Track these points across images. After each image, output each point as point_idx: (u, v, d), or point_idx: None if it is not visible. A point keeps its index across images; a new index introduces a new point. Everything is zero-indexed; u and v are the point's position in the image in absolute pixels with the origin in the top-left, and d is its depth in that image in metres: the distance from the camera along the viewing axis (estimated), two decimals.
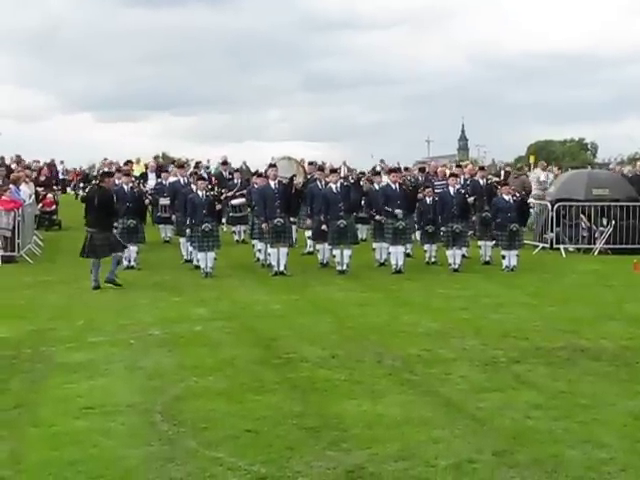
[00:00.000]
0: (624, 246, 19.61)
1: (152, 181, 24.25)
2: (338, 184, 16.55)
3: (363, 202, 18.90)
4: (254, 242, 17.97)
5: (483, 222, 17.83)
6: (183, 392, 7.70)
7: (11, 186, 18.98)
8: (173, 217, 18.62)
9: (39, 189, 24.31)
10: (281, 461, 5.88)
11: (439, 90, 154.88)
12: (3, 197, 17.93)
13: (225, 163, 26.38)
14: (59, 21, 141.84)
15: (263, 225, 16.01)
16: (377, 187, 17.68)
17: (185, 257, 17.67)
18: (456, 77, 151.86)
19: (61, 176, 36.12)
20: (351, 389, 7.76)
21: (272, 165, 16.78)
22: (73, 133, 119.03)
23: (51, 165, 31.58)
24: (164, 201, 20.25)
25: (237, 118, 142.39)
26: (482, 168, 21.57)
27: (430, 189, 18.14)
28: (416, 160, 36.91)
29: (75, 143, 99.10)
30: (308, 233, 18.26)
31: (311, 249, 18.53)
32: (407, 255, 16.98)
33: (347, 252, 16.16)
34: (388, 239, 16.41)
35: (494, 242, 17.31)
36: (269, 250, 16.19)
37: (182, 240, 17.76)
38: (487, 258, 17.62)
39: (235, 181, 22.07)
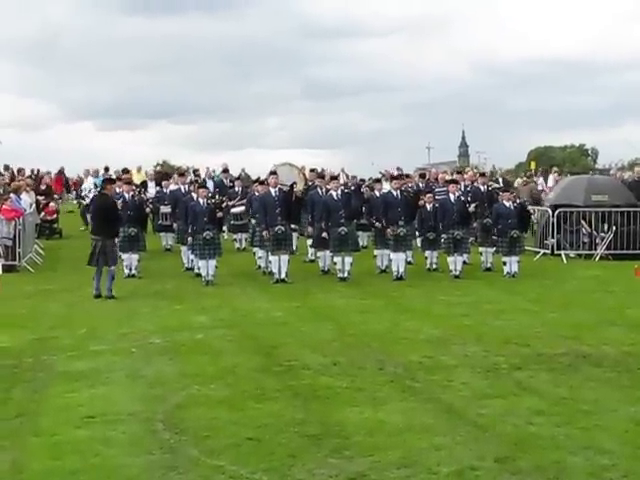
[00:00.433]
0: (625, 252, 19.61)
1: (152, 189, 24.28)
2: (339, 191, 16.56)
3: (364, 209, 18.91)
4: (255, 250, 17.98)
5: (484, 228, 17.83)
6: (184, 400, 7.70)
7: (12, 195, 18.99)
8: (174, 225, 18.63)
9: (40, 198, 24.34)
10: (283, 469, 5.88)
11: (439, 97, 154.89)
12: (4, 206, 17.94)
13: (226, 171, 26.41)
14: (59, 30, 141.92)
15: (264, 233, 16.02)
16: (378, 194, 17.69)
17: (186, 265, 17.67)
18: (456, 84, 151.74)
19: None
20: (353, 396, 7.76)
21: (273, 172, 16.79)
22: (74, 142, 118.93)
23: (60, 173, 31.23)
24: (165, 209, 20.27)
25: (237, 126, 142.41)
26: (483, 174, 21.57)
27: (431, 195, 18.16)
28: (416, 167, 36.91)
29: (76, 152, 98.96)
30: (310, 241, 18.26)
31: (312, 257, 18.53)
32: (408, 262, 16.98)
33: (348, 259, 16.16)
34: (389, 246, 16.41)
35: (495, 248, 17.31)
36: (270, 258, 16.19)
37: (183, 248, 17.77)
38: (488, 264, 17.62)
39: (236, 189, 22.10)
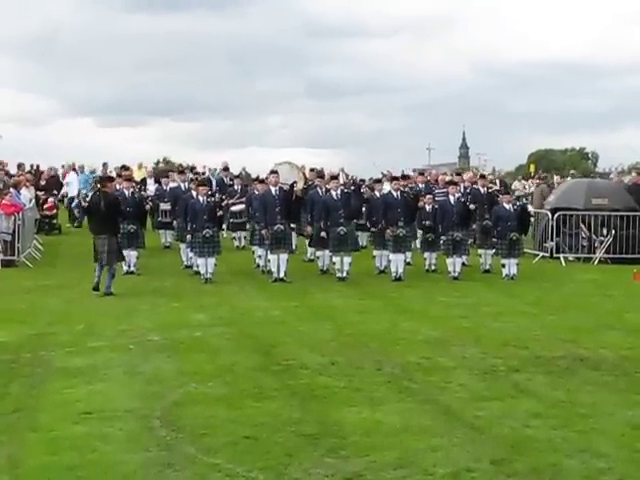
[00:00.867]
0: (624, 256, 19.62)
1: (151, 187, 24.28)
2: (339, 191, 16.56)
3: (364, 209, 18.92)
4: (254, 248, 17.98)
5: (483, 230, 17.85)
6: (182, 398, 7.70)
7: (12, 190, 18.99)
8: (174, 223, 18.63)
9: (40, 193, 24.33)
10: (279, 468, 5.88)
11: (440, 98, 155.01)
12: (4, 201, 17.93)
13: (226, 169, 26.41)
14: (61, 26, 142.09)
15: (263, 231, 16.02)
16: (378, 195, 17.69)
17: (185, 263, 17.67)
18: (457, 85, 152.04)
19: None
20: (350, 396, 7.76)
21: (273, 171, 16.79)
22: (74, 138, 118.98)
23: (72, 170, 30.92)
24: (165, 206, 20.28)
25: (239, 124, 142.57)
26: (483, 176, 21.60)
27: (430, 196, 18.17)
28: (414, 168, 36.88)
29: (76, 148, 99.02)
30: (308, 240, 18.26)
31: (312, 256, 18.53)
32: (407, 263, 16.99)
33: (347, 259, 16.16)
34: (389, 247, 16.42)
35: (494, 250, 17.32)
36: (269, 256, 16.19)
37: (182, 246, 17.77)
38: (487, 266, 17.63)
39: (235, 187, 22.10)
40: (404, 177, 19.84)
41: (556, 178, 30.14)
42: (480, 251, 17.96)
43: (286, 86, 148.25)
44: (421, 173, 24.33)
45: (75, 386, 8.05)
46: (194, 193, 16.88)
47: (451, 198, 17.02)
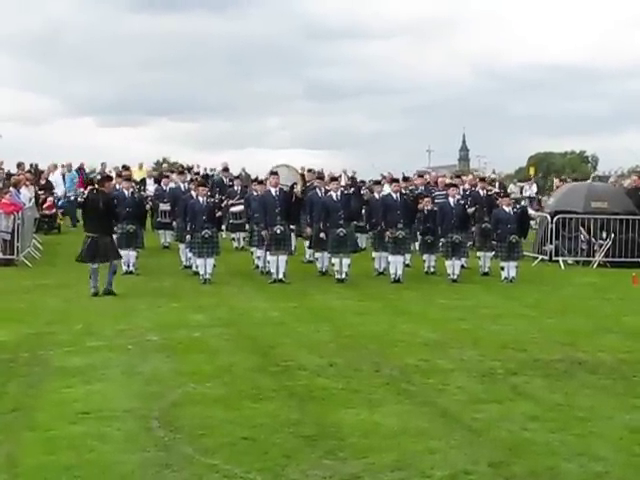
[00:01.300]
0: (623, 259, 19.63)
1: (151, 187, 24.28)
2: (338, 192, 16.56)
3: (363, 211, 18.93)
4: (253, 249, 17.98)
5: (483, 233, 17.86)
6: (180, 398, 7.70)
7: (11, 189, 18.99)
8: (174, 223, 18.63)
9: (39, 192, 24.32)
10: (277, 469, 5.88)
11: (440, 100, 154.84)
12: (3, 200, 17.93)
13: (226, 170, 26.42)
14: (62, 25, 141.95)
15: (263, 232, 16.02)
16: (378, 196, 17.70)
17: (184, 263, 17.68)
18: (457, 88, 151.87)
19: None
20: (348, 398, 7.76)
21: (273, 172, 16.80)
22: (75, 137, 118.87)
23: (80, 169, 30.75)
24: (164, 207, 20.29)
25: (238, 125, 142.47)
26: (482, 179, 21.61)
27: (429, 198, 18.18)
28: (416, 170, 36.90)
29: (77, 147, 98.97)
30: (307, 242, 18.26)
31: (311, 258, 18.53)
32: (406, 265, 16.99)
33: (346, 261, 16.17)
34: (388, 248, 16.43)
35: (493, 253, 17.33)
36: (268, 257, 16.19)
37: (181, 246, 17.78)
38: (486, 269, 17.64)
39: (235, 188, 22.10)
40: (404, 179, 19.85)
41: (555, 181, 30.11)
42: (479, 253, 17.97)
43: (285, 87, 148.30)
44: (420, 175, 24.33)
45: (73, 386, 8.05)
46: (194, 193, 16.88)
47: (451, 200, 17.03)
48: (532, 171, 36.99)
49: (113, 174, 22.60)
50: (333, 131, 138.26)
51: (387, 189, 18.04)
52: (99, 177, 19.09)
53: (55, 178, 26.85)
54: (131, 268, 16.70)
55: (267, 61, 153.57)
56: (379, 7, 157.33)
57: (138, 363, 9.04)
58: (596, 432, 6.81)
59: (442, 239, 16.89)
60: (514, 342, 10.45)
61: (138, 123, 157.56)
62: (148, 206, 19.84)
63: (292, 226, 17.30)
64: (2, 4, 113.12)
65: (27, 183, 21.48)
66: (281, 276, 15.80)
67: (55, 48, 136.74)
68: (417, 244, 18.68)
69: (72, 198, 25.58)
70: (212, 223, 15.99)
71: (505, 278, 16.68)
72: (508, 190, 28.09)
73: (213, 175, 28.78)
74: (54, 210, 24.60)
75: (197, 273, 16.11)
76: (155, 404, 7.42)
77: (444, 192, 18.82)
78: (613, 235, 19.88)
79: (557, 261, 19.77)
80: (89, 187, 15.33)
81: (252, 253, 18.18)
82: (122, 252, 16.08)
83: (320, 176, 20.24)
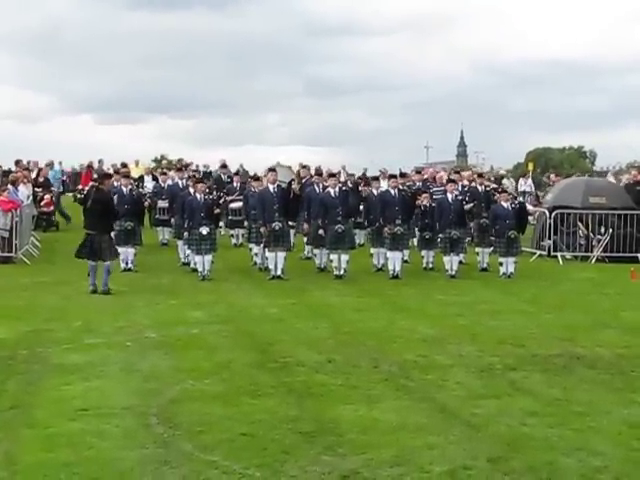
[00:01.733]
0: (621, 254, 19.63)
1: (149, 184, 24.26)
2: (337, 189, 16.55)
3: (361, 207, 18.92)
4: (251, 246, 17.97)
5: (481, 229, 17.86)
6: (179, 395, 7.70)
7: (9, 186, 18.97)
8: (172, 220, 18.63)
9: (37, 190, 24.28)
10: (276, 465, 5.88)
11: (439, 96, 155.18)
12: (1, 198, 17.92)
13: (224, 166, 26.40)
14: (61, 23, 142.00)
15: (261, 229, 16.02)
16: (376, 192, 17.69)
17: (182, 260, 17.67)
18: (456, 84, 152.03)
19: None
20: (347, 394, 7.76)
21: (271, 169, 16.78)
22: (73, 135, 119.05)
23: (90, 167, 30.54)
24: (162, 204, 20.28)
25: (237, 122, 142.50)
26: (481, 175, 21.60)
27: (427, 194, 18.17)
28: (414, 166, 36.93)
29: (75, 145, 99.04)
30: (306, 238, 18.26)
31: (309, 254, 18.53)
32: (404, 261, 16.99)
33: (344, 257, 16.16)
34: (386, 244, 16.43)
35: (492, 249, 17.33)
36: (267, 254, 16.18)
37: (179, 243, 17.78)
38: (484, 265, 17.64)
39: (234, 184, 22.09)
40: (402, 175, 19.84)
41: (552, 176, 30.08)
42: (477, 249, 17.96)
43: (285, 84, 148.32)
44: (418, 171, 24.30)
45: (72, 383, 8.05)
46: (192, 190, 16.87)
47: (449, 196, 17.03)
48: (530, 166, 36.90)
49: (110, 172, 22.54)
50: (332, 128, 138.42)
51: (384, 185, 18.02)
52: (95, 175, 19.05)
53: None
54: (129, 265, 16.70)
55: (266, 58, 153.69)
56: (378, 4, 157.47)
57: (137, 360, 9.04)
58: (594, 427, 6.82)
59: (440, 235, 16.89)
60: (512, 337, 10.46)
61: (137, 120, 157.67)
62: (146, 203, 19.81)
63: (290, 222, 17.30)
64: (1, 2, 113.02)
65: (25, 181, 21.46)
66: (279, 272, 15.79)
67: (54, 46, 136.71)
68: (415, 240, 18.68)
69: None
70: (210, 220, 15.98)
71: (503, 274, 16.69)
72: (503, 185, 28.07)
73: (211, 172, 28.75)
74: (52, 207, 24.57)
75: (195, 270, 16.10)
76: (154, 401, 7.43)
77: (442, 188, 18.82)
78: (611, 230, 19.89)
79: (555, 256, 19.77)
80: (89, 184, 15.33)
81: (251, 250, 18.17)
82: (120, 249, 16.08)
83: (318, 172, 20.22)
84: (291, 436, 6.50)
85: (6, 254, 17.52)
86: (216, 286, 14.92)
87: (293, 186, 17.35)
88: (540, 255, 20.05)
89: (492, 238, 17.18)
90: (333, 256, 16.36)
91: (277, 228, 15.83)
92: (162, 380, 8.20)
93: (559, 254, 19.82)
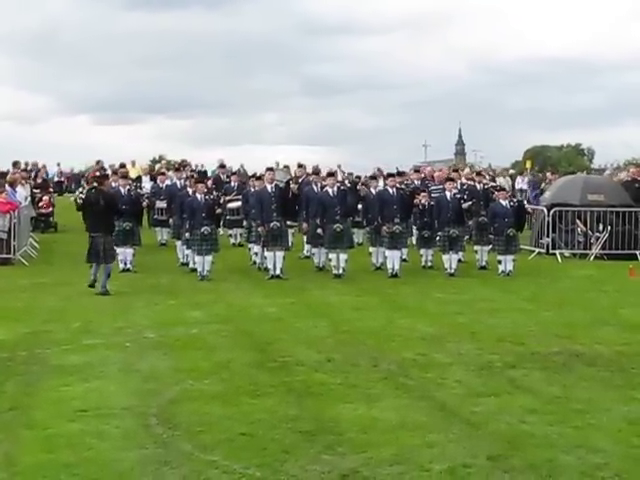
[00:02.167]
0: (619, 252, 19.64)
1: (147, 184, 24.25)
2: (335, 188, 16.55)
3: (360, 207, 18.91)
4: (250, 245, 17.96)
5: (479, 227, 17.85)
6: (178, 395, 7.69)
7: (7, 188, 18.96)
8: (170, 220, 18.62)
9: (35, 191, 24.29)
10: (276, 465, 5.88)
11: (437, 95, 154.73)
12: None
13: (223, 166, 26.39)
14: (58, 23, 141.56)
15: (260, 228, 16.02)
16: (374, 192, 17.68)
17: (181, 260, 17.66)
18: (454, 82, 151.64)
19: (56, 178, 35.86)
20: (346, 393, 7.76)
21: (269, 168, 16.78)
22: (71, 135, 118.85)
23: (100, 166, 30.30)
24: (161, 204, 20.26)
25: (234, 121, 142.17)
26: (479, 173, 21.60)
27: (426, 193, 18.17)
28: (413, 165, 36.96)
29: (73, 145, 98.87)
30: (306, 237, 18.25)
31: (308, 253, 18.53)
32: (403, 260, 16.99)
33: (343, 256, 16.16)
34: (385, 243, 16.43)
35: (490, 247, 17.33)
36: (265, 253, 16.18)
37: (178, 243, 17.78)
38: (483, 263, 17.64)
39: (232, 184, 22.07)
40: (399, 174, 19.84)
41: (548, 175, 30.07)
42: (476, 247, 17.95)
43: (282, 84, 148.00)
44: (416, 170, 24.31)
45: (71, 384, 8.04)
46: (190, 190, 16.86)
47: (447, 194, 17.03)
48: (529, 164, 36.95)
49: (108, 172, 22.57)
50: (330, 127, 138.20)
51: (382, 184, 18.02)
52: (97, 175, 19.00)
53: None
54: (128, 265, 16.69)
55: (264, 57, 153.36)
56: (375, 3, 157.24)
57: (136, 360, 9.04)
58: (594, 424, 6.82)
59: (439, 233, 16.89)
60: (512, 335, 10.46)
61: (134, 121, 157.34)
62: (144, 203, 19.81)
63: (289, 222, 17.29)
64: None
65: (23, 182, 21.45)
66: (278, 272, 15.79)
67: (51, 46, 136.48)
68: (414, 238, 18.68)
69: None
70: (211, 220, 15.97)
71: (502, 272, 16.69)
72: (497, 183, 28.06)
73: (205, 172, 28.74)
74: (50, 209, 24.56)
75: (194, 270, 16.09)
76: (153, 401, 7.42)
77: (440, 186, 18.81)
78: (610, 227, 19.89)
79: (554, 254, 19.78)
80: (87, 187, 15.31)
81: (249, 249, 18.17)
82: (119, 249, 16.10)
83: (316, 172, 20.21)
84: (291, 435, 6.50)
85: (4, 255, 17.50)
86: (215, 286, 14.91)
87: (291, 185, 17.34)
88: (539, 253, 20.06)
89: (491, 236, 17.18)
90: (332, 255, 16.36)
91: (275, 228, 15.83)
92: (161, 380, 8.19)
93: (558, 252, 19.82)
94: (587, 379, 8.34)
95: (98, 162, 30.37)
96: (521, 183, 30.95)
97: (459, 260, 17.14)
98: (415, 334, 10.58)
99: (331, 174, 17.73)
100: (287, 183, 17.36)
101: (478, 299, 13.62)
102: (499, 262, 16.83)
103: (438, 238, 16.99)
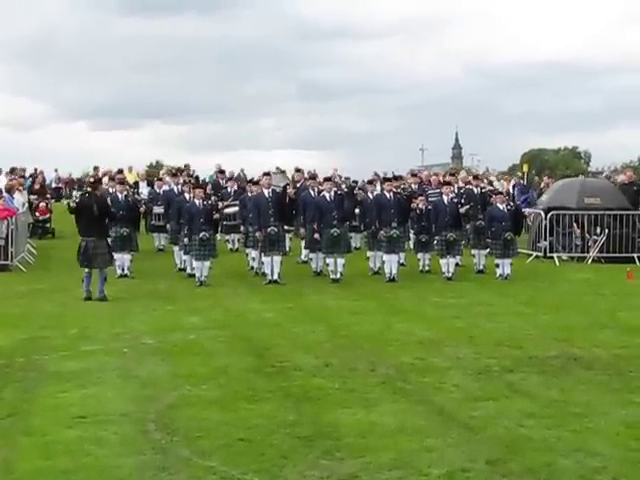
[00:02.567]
0: (617, 255, 19.64)
1: (144, 189, 24.25)
2: (332, 192, 16.55)
3: (357, 211, 18.92)
4: (248, 251, 17.96)
5: (477, 231, 17.86)
6: (176, 401, 7.69)
7: (5, 194, 18.96)
8: (168, 226, 18.61)
9: (33, 197, 24.27)
10: (274, 470, 5.87)
11: (433, 99, 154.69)
12: None
13: (222, 172, 26.39)
14: (55, 30, 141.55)
15: (257, 233, 16.01)
16: (371, 196, 17.70)
17: (179, 266, 17.65)
18: (450, 86, 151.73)
19: (54, 184, 35.85)
20: (344, 398, 7.76)
21: (266, 174, 16.78)
22: (68, 141, 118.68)
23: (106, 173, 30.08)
24: (158, 209, 20.26)
25: (231, 126, 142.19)
26: (476, 177, 21.61)
27: (423, 197, 18.18)
28: (410, 169, 36.99)
29: (70, 151, 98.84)
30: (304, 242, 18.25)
31: (305, 258, 18.52)
32: (400, 264, 16.99)
33: (341, 261, 16.15)
34: (382, 247, 16.42)
35: (488, 250, 17.34)
36: (263, 259, 16.18)
37: (176, 249, 17.76)
38: (481, 267, 17.64)
39: (229, 189, 22.07)
40: (396, 178, 19.85)
41: (545, 178, 30.07)
42: (474, 251, 17.97)
43: (278, 88, 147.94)
44: (414, 174, 24.33)
45: (69, 390, 8.03)
46: (187, 196, 16.86)
47: (445, 198, 17.03)
48: (525, 168, 36.91)
49: (105, 178, 22.53)
50: (326, 131, 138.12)
51: (379, 188, 18.03)
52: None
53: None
54: (126, 271, 16.68)
55: (259, 62, 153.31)
56: (370, 7, 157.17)
57: (134, 366, 9.03)
58: (592, 428, 6.82)
59: (437, 237, 16.89)
60: (509, 339, 10.46)
61: (131, 126, 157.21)
62: (142, 209, 19.80)
63: (286, 227, 17.29)
64: None
65: (20, 188, 21.44)
66: (276, 277, 15.78)
67: (47, 52, 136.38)
68: (411, 243, 18.69)
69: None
70: (209, 225, 15.95)
71: (500, 275, 16.70)
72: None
73: (197, 177, 28.71)
74: (48, 215, 24.55)
75: (192, 275, 16.08)
76: (151, 407, 7.42)
77: (437, 190, 18.82)
78: (607, 231, 19.91)
79: (552, 257, 19.79)
80: (80, 192, 15.29)
81: (247, 255, 18.16)
82: (116, 255, 16.06)
83: (313, 176, 20.21)
84: (289, 441, 6.49)
85: (2, 262, 17.49)
86: (212, 291, 14.90)
87: (288, 190, 17.34)
88: (536, 256, 20.07)
89: (488, 240, 17.20)
90: (329, 260, 16.36)
91: (273, 233, 15.83)
92: (159, 386, 8.19)
93: (555, 255, 19.84)
94: (585, 383, 8.34)
95: (96, 168, 30.35)
96: (507, 186, 30.87)
97: (457, 264, 17.15)
98: (413, 338, 10.58)
99: (328, 179, 17.74)
100: (284, 188, 17.35)
101: (476, 303, 13.62)
102: (497, 266, 16.84)
103: (436, 242, 17.00)
